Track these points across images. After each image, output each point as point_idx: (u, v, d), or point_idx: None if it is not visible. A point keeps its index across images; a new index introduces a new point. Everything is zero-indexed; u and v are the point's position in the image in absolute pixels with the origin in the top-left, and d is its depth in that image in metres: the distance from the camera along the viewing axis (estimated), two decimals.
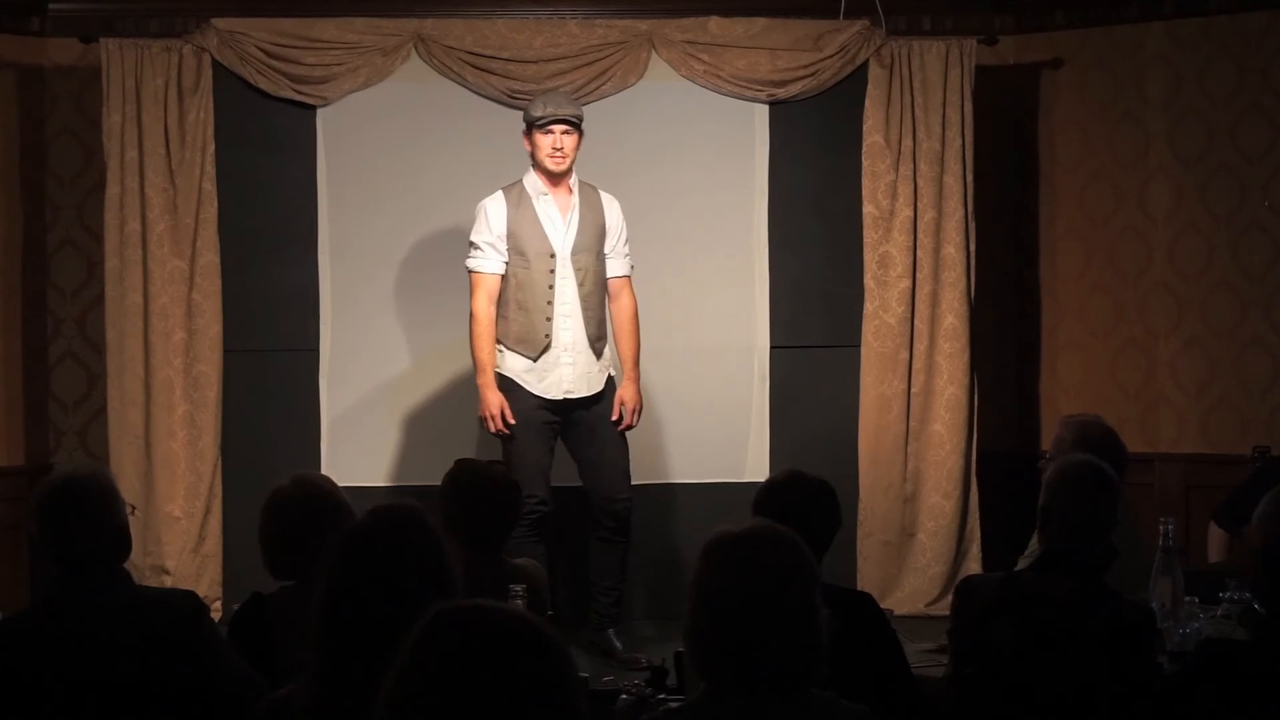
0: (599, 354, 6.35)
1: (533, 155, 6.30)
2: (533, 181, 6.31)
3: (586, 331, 6.30)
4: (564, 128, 6.24)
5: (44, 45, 7.36)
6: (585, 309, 6.29)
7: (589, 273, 6.30)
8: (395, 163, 7.21)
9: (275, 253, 7.18)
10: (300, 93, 7.12)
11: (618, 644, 6.39)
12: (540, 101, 6.35)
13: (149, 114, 7.02)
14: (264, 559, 4.01)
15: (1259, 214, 7.24)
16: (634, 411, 6.37)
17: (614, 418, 6.36)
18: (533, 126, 6.26)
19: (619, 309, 6.43)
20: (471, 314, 6.28)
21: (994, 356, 7.63)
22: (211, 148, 7.03)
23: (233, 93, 7.08)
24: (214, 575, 7.00)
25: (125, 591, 3.58)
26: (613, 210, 6.42)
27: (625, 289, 6.44)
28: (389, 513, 2.81)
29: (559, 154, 6.22)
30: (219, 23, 7.06)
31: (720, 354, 7.34)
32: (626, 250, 6.45)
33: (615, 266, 6.42)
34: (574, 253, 6.28)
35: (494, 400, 6.20)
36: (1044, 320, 7.77)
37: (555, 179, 6.29)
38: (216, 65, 7.05)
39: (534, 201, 6.28)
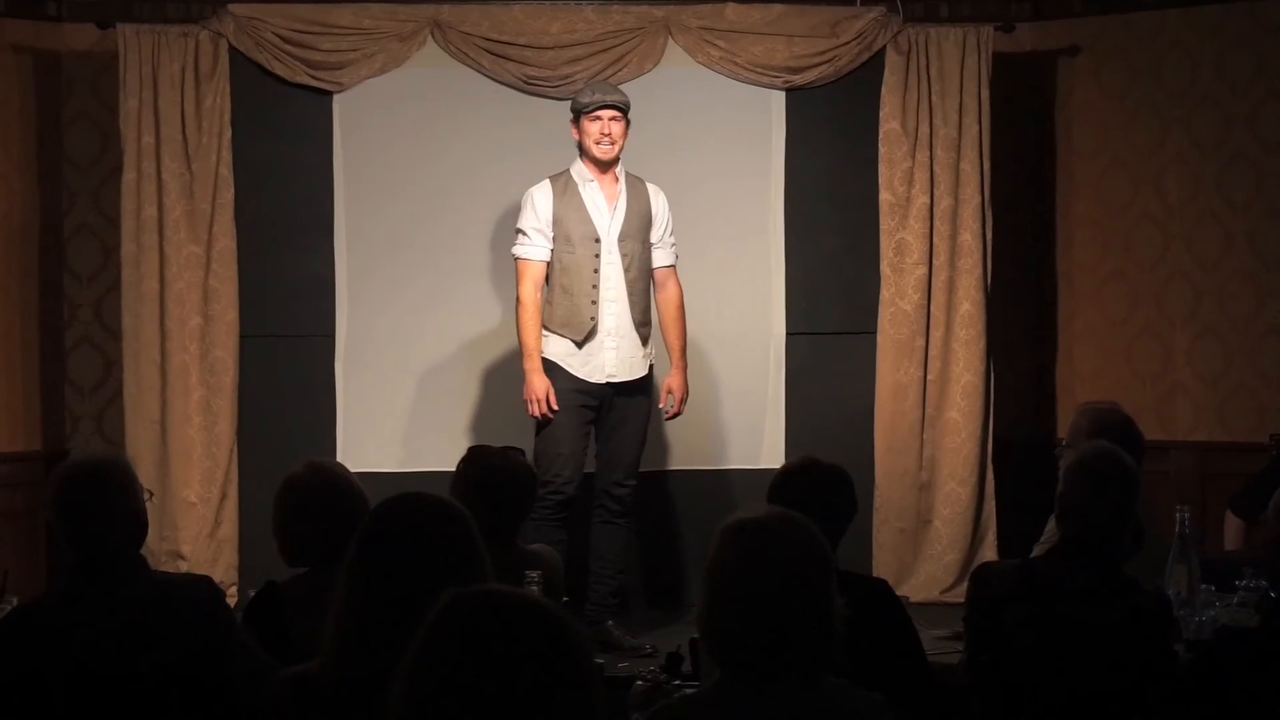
0: (644, 340, 6.38)
1: (580, 143, 6.34)
2: (579, 169, 6.36)
3: (631, 316, 6.33)
4: (612, 113, 6.29)
5: (61, 31, 7.36)
6: (630, 294, 6.33)
7: (634, 259, 6.34)
8: (411, 148, 7.21)
9: (292, 238, 7.18)
10: (317, 78, 7.12)
11: (619, 634, 6.35)
12: (588, 89, 6.43)
13: (165, 99, 7.02)
14: (278, 545, 4.00)
15: (1276, 202, 7.22)
16: (681, 400, 6.44)
17: (661, 405, 6.44)
18: (581, 114, 6.31)
19: (665, 298, 6.48)
20: (518, 300, 6.33)
21: (1010, 343, 7.62)
22: (228, 133, 7.04)
23: (249, 78, 7.09)
24: (230, 560, 7.02)
25: (142, 577, 3.58)
26: (659, 200, 6.47)
27: (671, 278, 6.49)
28: (417, 499, 2.81)
29: (607, 139, 6.27)
30: (235, 8, 7.06)
31: (736, 341, 7.34)
32: (673, 240, 6.49)
33: (661, 256, 6.47)
34: (620, 239, 6.32)
35: (540, 384, 6.23)
36: (1060, 307, 7.75)
37: (602, 167, 6.33)
38: (233, 51, 7.05)
39: (580, 188, 6.33)
